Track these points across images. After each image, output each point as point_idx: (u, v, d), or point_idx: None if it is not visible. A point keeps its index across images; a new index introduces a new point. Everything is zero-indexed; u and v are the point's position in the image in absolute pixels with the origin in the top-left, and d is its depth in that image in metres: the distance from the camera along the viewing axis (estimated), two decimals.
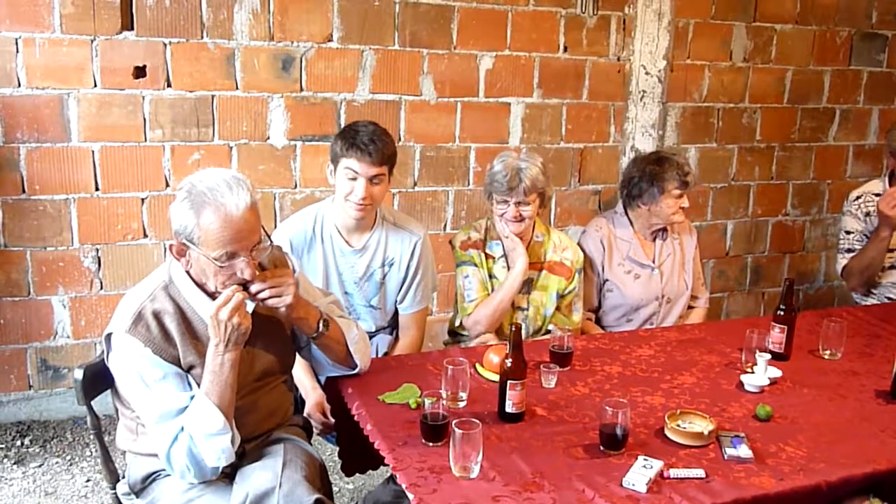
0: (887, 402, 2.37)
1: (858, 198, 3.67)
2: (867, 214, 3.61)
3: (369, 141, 2.61)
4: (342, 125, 3.77)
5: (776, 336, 2.66)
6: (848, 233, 3.68)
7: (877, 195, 3.58)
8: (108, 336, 1.99)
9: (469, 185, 4.15)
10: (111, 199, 3.57)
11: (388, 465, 1.97)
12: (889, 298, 3.58)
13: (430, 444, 1.99)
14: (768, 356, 2.49)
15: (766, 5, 4.57)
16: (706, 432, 2.06)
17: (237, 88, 3.64)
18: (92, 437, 2.21)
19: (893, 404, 2.35)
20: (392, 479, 1.94)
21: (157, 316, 1.96)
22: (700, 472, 1.92)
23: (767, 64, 4.69)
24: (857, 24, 4.82)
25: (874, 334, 2.93)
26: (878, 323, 3.02)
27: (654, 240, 3.26)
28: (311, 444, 2.30)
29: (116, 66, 3.44)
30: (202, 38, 3.53)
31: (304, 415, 2.56)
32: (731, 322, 3.11)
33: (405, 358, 2.63)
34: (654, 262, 3.22)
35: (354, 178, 2.64)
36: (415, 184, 4.06)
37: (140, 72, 3.48)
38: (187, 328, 1.99)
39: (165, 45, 3.49)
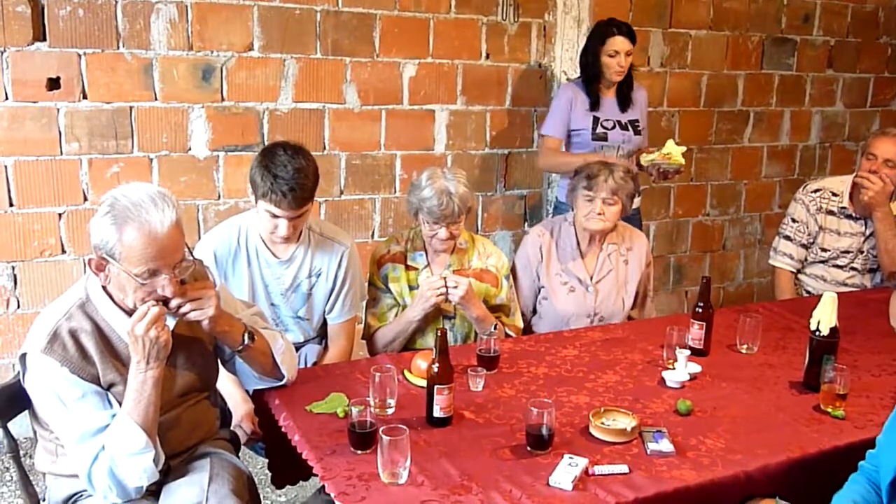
0: (800, 393, 2.46)
1: (817, 191, 3.67)
2: (819, 209, 3.63)
3: (289, 189, 2.51)
4: (265, 135, 3.76)
5: (695, 332, 2.72)
6: (794, 221, 3.70)
7: (834, 195, 3.61)
8: (23, 356, 1.94)
9: (396, 192, 4.16)
10: (26, 214, 3.46)
11: (316, 474, 1.96)
12: (808, 292, 3.69)
13: (359, 451, 1.99)
14: (688, 352, 2.56)
15: (681, 12, 4.71)
16: (629, 428, 2.11)
17: (156, 99, 3.57)
18: (9, 460, 2.15)
19: (806, 394, 2.44)
20: (324, 488, 1.94)
21: (73, 334, 1.91)
22: (624, 468, 1.96)
23: (684, 69, 4.82)
24: (768, 29, 5.00)
25: (788, 328, 3.03)
26: (790, 317, 3.13)
27: (599, 254, 3.15)
28: (238, 457, 2.28)
29: (28, 78, 3.34)
30: (118, 48, 3.46)
31: (233, 427, 2.53)
32: (654, 320, 3.18)
33: (333, 367, 2.62)
34: (591, 278, 3.15)
35: (276, 218, 2.60)
36: (341, 192, 4.05)
37: (54, 83, 3.38)
38: (106, 346, 1.95)
39: (80, 55, 3.40)
